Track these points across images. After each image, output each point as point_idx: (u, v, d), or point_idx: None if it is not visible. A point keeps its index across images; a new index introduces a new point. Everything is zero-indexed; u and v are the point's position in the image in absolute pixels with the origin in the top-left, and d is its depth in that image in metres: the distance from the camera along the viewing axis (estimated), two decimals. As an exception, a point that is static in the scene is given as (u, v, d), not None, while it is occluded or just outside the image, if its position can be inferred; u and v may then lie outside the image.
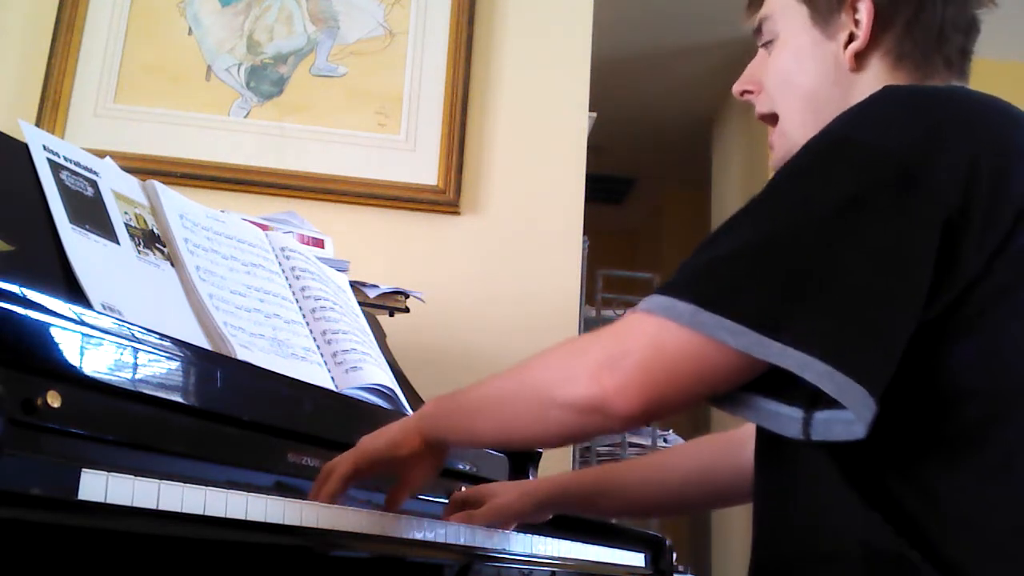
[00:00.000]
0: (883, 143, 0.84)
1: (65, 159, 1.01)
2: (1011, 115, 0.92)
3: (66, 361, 0.71)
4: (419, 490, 1.04)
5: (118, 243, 1.02)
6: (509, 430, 0.96)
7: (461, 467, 1.28)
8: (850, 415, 0.78)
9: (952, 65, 1.04)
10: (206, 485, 0.74)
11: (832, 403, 0.79)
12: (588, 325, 2.84)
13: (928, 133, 0.85)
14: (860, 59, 1.03)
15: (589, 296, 2.91)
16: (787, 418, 0.83)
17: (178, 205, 1.15)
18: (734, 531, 3.93)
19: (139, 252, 1.04)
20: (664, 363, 0.83)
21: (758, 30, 1.12)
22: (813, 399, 0.81)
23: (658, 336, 0.83)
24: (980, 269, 0.83)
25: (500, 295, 2.16)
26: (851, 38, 1.03)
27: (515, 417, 0.93)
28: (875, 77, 1.02)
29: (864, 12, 1.02)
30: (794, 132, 1.06)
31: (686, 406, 0.86)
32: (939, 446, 0.84)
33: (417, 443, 0.98)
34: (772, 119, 1.09)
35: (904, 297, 0.81)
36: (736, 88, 1.14)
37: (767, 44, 1.10)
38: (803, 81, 1.06)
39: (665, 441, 2.72)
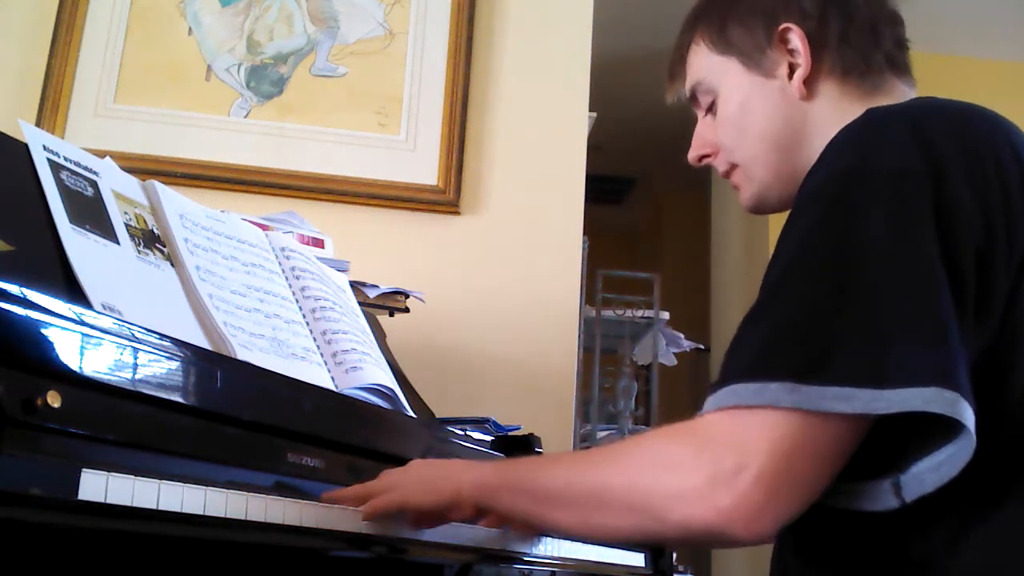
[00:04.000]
0: (896, 167, 0.82)
1: (65, 159, 1.01)
2: (987, 116, 0.91)
3: (66, 361, 0.71)
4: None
5: (118, 243, 1.02)
6: (594, 531, 0.91)
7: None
8: (937, 459, 0.76)
9: (895, 61, 1.03)
10: (206, 485, 0.74)
11: (917, 455, 0.77)
12: (588, 325, 2.85)
13: (929, 150, 0.83)
14: (809, 86, 1.02)
15: (589, 296, 2.91)
16: (880, 491, 0.79)
17: (178, 205, 1.15)
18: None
19: (139, 252, 1.04)
20: (784, 465, 0.75)
21: (693, 99, 1.12)
22: (897, 462, 0.78)
23: (761, 436, 0.76)
24: (1013, 282, 0.82)
25: (500, 295, 2.16)
26: (791, 68, 1.03)
27: (604, 521, 0.87)
28: (827, 98, 1.02)
29: (797, 40, 1.02)
30: (760, 174, 1.06)
31: (812, 501, 0.79)
32: (1000, 481, 0.81)
33: (469, 512, 0.94)
34: (734, 169, 1.09)
35: (966, 316, 0.79)
36: (692, 156, 1.13)
37: (710, 107, 1.10)
38: (758, 125, 1.05)
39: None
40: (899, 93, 1.04)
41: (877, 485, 0.79)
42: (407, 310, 1.71)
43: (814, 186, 0.86)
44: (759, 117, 1.05)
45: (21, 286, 0.70)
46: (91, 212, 1.00)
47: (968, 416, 0.74)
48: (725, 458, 0.76)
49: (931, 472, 0.77)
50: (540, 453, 1.49)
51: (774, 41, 1.03)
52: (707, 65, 1.09)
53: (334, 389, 1.17)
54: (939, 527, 0.81)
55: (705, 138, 1.11)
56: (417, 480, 0.95)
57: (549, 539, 1.22)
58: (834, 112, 1.01)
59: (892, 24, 1.05)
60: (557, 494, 0.89)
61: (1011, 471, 0.81)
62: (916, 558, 0.82)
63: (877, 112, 0.90)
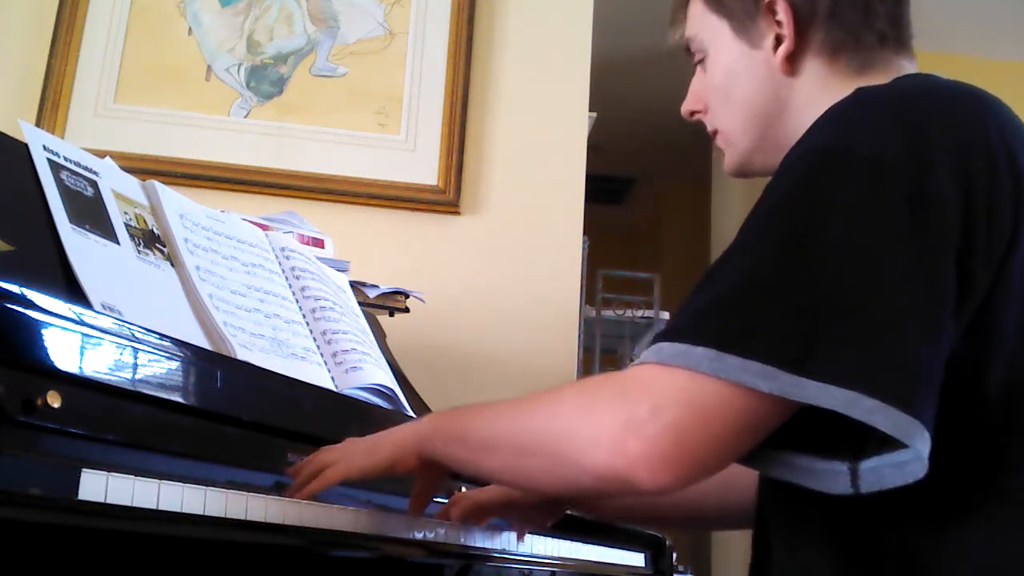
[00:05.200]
0: (876, 152, 0.79)
1: (65, 159, 1.01)
2: (983, 101, 0.88)
3: (66, 361, 0.71)
4: (436, 493, 1.01)
5: (118, 243, 1.02)
6: (518, 477, 0.90)
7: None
8: (900, 457, 0.73)
9: (887, 39, 0.99)
10: (206, 485, 0.74)
11: (877, 448, 0.74)
12: (588, 325, 2.85)
13: (916, 137, 0.80)
14: (794, 62, 0.99)
15: (589, 296, 2.91)
16: (831, 473, 0.77)
17: (178, 205, 1.15)
18: (734, 531, 3.92)
19: (139, 252, 1.04)
20: (696, 423, 0.74)
21: (688, 49, 1.09)
22: (856, 448, 0.75)
23: (679, 391, 0.75)
24: (993, 280, 0.79)
25: (500, 295, 2.16)
26: (778, 40, 0.99)
27: (526, 467, 0.86)
28: (813, 75, 0.99)
29: (783, 13, 0.99)
30: (740, 142, 1.05)
31: (720, 468, 0.77)
32: (980, 485, 0.80)
33: (413, 463, 0.93)
34: (717, 133, 1.08)
35: (935, 317, 0.75)
36: (684, 110, 1.10)
37: (700, 62, 1.07)
38: (740, 95, 1.03)
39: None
40: (895, 69, 0.99)
41: (829, 466, 0.77)
42: (407, 310, 1.71)
43: (791, 161, 0.84)
44: (743, 87, 1.02)
45: (21, 286, 0.70)
46: (91, 212, 1.00)
47: (896, 427, 0.71)
48: (640, 405, 0.75)
49: (892, 469, 0.74)
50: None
51: (762, 10, 1.00)
52: (701, 23, 1.06)
53: (334, 389, 1.17)
54: (921, 524, 0.80)
55: (698, 93, 1.09)
56: (360, 446, 0.95)
57: (549, 539, 1.22)
58: (821, 89, 0.98)
59: (889, 1, 1.00)
60: (486, 440, 0.89)
61: (991, 469, 0.80)
62: (899, 555, 0.81)
63: (866, 92, 0.87)
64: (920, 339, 0.74)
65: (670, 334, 0.78)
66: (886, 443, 0.74)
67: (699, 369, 0.74)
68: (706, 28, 1.06)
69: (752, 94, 1.02)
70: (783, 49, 0.99)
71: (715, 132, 1.08)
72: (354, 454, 0.94)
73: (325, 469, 0.91)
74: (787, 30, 0.99)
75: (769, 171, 1.01)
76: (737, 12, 1.02)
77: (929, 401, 0.74)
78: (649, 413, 0.74)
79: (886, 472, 0.74)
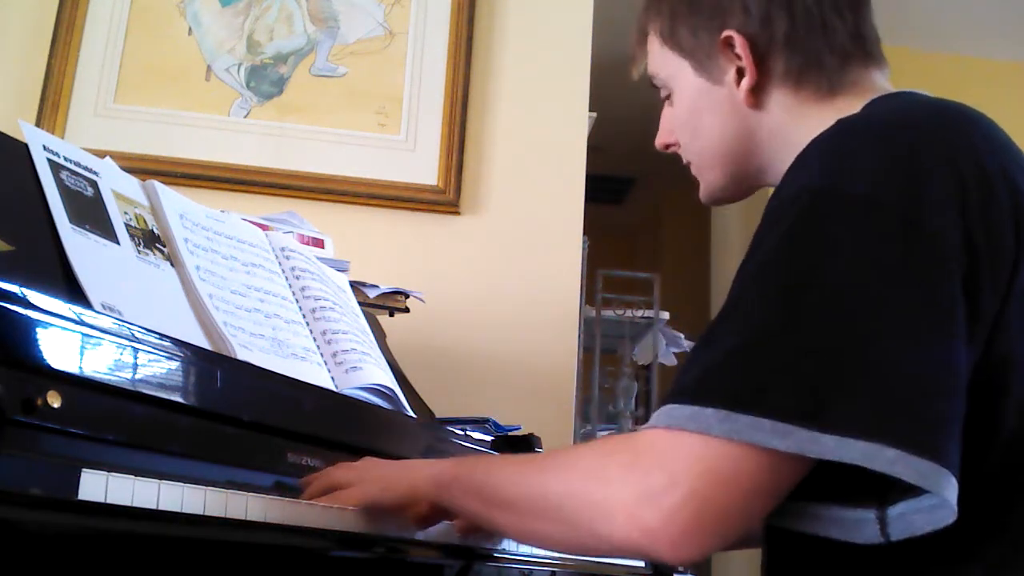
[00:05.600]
0: (867, 189, 0.76)
1: (65, 159, 1.01)
2: (966, 117, 0.85)
3: (66, 361, 0.71)
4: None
5: (118, 243, 1.02)
6: (532, 538, 0.90)
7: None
8: (927, 502, 0.71)
9: (850, 56, 0.96)
10: (206, 485, 0.74)
11: (903, 493, 0.72)
12: (588, 325, 2.85)
13: (905, 166, 0.78)
14: (758, 94, 0.97)
15: (589, 296, 2.91)
16: (859, 522, 0.74)
17: (178, 205, 1.15)
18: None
19: (139, 252, 1.04)
20: (713, 491, 0.72)
21: (652, 84, 1.08)
22: (882, 495, 0.73)
23: (694, 459, 0.72)
24: (1000, 306, 0.77)
25: (500, 295, 2.16)
26: (740, 73, 0.97)
27: (541, 530, 0.84)
28: (782, 106, 0.97)
29: (740, 46, 0.96)
30: (711, 176, 1.04)
31: (743, 530, 0.75)
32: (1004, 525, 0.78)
33: (425, 509, 0.93)
34: (691, 163, 1.08)
35: (950, 348, 0.73)
36: (658, 143, 1.09)
37: (667, 97, 1.06)
38: (707, 133, 1.01)
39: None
40: (865, 85, 0.96)
41: (856, 514, 0.75)
42: (407, 310, 1.71)
43: (780, 204, 0.81)
44: (710, 124, 1.01)
45: (21, 286, 0.70)
46: (91, 212, 1.00)
47: (921, 477, 0.69)
48: (655, 476, 0.73)
49: (920, 514, 0.72)
50: (540, 453, 1.49)
51: (718, 46, 0.98)
52: (661, 61, 1.05)
53: (334, 389, 1.17)
54: (945, 566, 0.77)
55: (668, 127, 1.08)
56: (377, 477, 0.94)
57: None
58: (791, 118, 0.96)
59: (846, 14, 0.96)
60: (501, 497, 0.87)
61: (1008, 507, 0.78)
62: None
63: (848, 125, 0.84)
64: (937, 378, 0.72)
65: (677, 395, 0.75)
66: (912, 487, 0.71)
67: (710, 432, 0.72)
68: (667, 66, 1.04)
69: (720, 131, 1.00)
70: (746, 83, 0.97)
71: (688, 163, 1.08)
72: (369, 483, 0.93)
73: (339, 489, 0.92)
74: (747, 63, 0.96)
75: (744, 196, 1.02)
76: (695, 50, 1.00)
77: (952, 444, 0.71)
78: (664, 484, 0.72)
79: (915, 518, 0.72)
